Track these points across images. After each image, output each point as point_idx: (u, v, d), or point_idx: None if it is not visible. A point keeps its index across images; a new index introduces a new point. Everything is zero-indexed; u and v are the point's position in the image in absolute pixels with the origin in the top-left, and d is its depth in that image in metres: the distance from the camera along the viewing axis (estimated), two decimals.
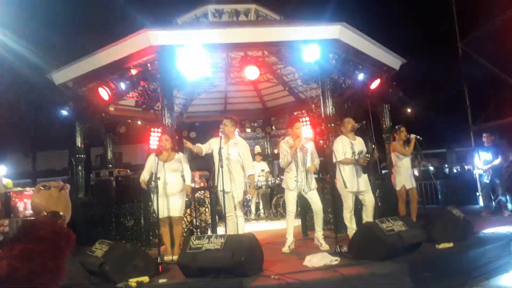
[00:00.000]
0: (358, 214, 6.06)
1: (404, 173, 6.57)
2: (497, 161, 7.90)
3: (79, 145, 8.47)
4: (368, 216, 5.74)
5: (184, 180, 5.66)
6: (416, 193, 6.68)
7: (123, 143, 11.93)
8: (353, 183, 5.66)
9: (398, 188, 6.61)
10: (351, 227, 5.68)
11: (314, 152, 5.68)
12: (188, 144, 5.62)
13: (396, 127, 6.81)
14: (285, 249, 5.50)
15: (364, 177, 5.74)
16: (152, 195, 5.38)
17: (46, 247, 1.12)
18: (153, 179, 5.32)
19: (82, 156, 8.50)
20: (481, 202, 8.53)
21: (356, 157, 5.70)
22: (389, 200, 7.30)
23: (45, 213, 1.28)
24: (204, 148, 5.67)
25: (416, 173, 6.96)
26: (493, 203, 8.30)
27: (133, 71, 7.67)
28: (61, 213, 1.30)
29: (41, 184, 1.36)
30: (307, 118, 11.08)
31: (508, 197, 7.81)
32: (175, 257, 5.19)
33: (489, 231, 5.70)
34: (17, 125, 21.52)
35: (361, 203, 5.86)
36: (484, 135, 8.34)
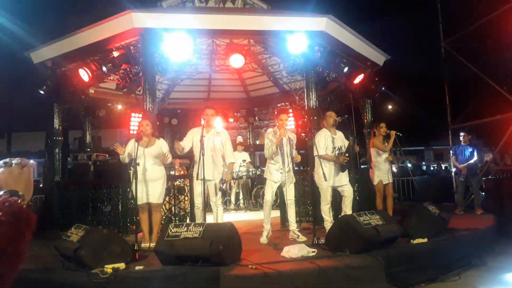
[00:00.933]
0: (338, 208, 6.14)
1: (382, 168, 6.69)
2: (473, 160, 8.08)
3: (57, 127, 8.26)
4: (347, 207, 5.81)
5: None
6: (392, 188, 6.81)
7: (103, 127, 11.71)
8: (331, 178, 5.72)
9: (375, 182, 6.73)
10: (328, 220, 5.74)
11: (294, 144, 5.70)
12: (176, 145, 5.50)
13: (377, 123, 6.92)
14: (263, 239, 5.52)
15: (344, 172, 5.82)
16: (131, 181, 5.29)
17: (4, 231, 1.04)
18: (132, 164, 5.22)
19: (59, 138, 8.29)
20: (455, 200, 8.72)
21: (336, 152, 5.76)
22: (367, 194, 7.41)
23: (2, 193, 1.18)
24: (184, 143, 5.50)
25: (394, 169, 7.07)
26: (467, 201, 8.51)
27: (115, 53, 7.50)
28: (20, 193, 1.21)
29: (2, 161, 1.27)
30: (290, 110, 11.10)
31: (481, 196, 8.02)
32: (152, 244, 5.15)
33: (462, 228, 5.84)
34: None
35: (340, 197, 5.95)
36: (461, 134, 8.51)
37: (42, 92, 7.82)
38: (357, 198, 7.63)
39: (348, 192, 5.80)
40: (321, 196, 5.78)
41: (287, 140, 5.50)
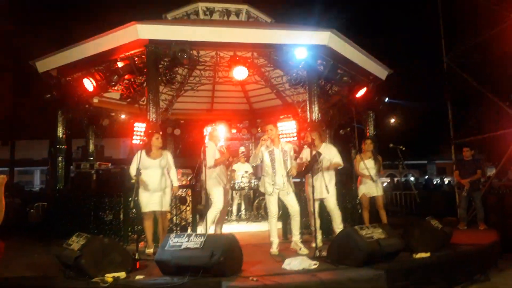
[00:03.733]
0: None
1: (367, 182, 6.67)
2: (476, 175, 8.04)
3: (60, 136, 8.31)
4: (335, 222, 5.93)
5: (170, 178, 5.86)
6: (382, 201, 6.78)
7: (106, 136, 11.75)
8: (316, 190, 5.72)
9: (359, 195, 6.78)
10: (314, 229, 5.87)
11: (292, 155, 5.71)
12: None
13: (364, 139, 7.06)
14: (274, 251, 5.50)
15: (328, 184, 5.78)
16: (134, 190, 5.36)
17: None
18: (135, 174, 5.34)
19: (62, 146, 8.34)
20: (458, 215, 8.67)
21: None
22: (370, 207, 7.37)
23: None
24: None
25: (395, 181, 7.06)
26: (470, 216, 8.45)
27: (120, 64, 7.57)
28: None
29: None
30: (294, 122, 11.16)
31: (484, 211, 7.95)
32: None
33: (465, 243, 5.80)
34: None
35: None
36: (464, 149, 8.48)
37: (46, 101, 7.89)
38: (360, 211, 7.64)
39: (329, 208, 5.95)
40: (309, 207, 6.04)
41: (280, 151, 5.53)
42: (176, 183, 5.88)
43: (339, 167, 6.07)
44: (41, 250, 5.70)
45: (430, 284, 4.62)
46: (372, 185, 6.67)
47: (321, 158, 5.76)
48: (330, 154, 5.95)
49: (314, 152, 5.58)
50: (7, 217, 9.32)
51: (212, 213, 6.00)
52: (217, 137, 6.48)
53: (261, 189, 5.77)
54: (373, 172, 6.68)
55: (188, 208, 6.84)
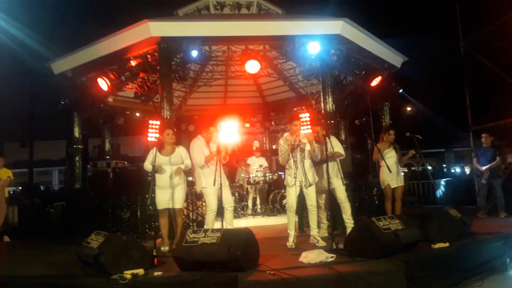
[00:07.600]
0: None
1: (389, 172, 6.54)
2: (495, 162, 7.87)
3: (77, 136, 8.44)
4: (345, 214, 5.90)
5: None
6: (401, 192, 6.66)
7: (121, 135, 11.93)
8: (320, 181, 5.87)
9: (383, 186, 6.65)
10: (323, 222, 6.08)
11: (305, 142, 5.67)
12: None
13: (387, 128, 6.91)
14: (290, 244, 5.48)
15: (333, 175, 5.76)
16: (150, 187, 5.40)
17: None
18: (151, 171, 5.37)
19: (79, 146, 8.46)
20: (478, 203, 8.51)
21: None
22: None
23: None
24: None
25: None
26: (490, 204, 8.28)
27: (133, 62, 7.64)
28: None
29: None
30: (307, 114, 11.08)
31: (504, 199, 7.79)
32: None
33: (485, 231, 5.69)
34: (15, 114, 21.42)
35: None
36: (483, 135, 8.30)
37: (62, 101, 8.02)
38: (377, 202, 7.58)
39: (338, 198, 5.93)
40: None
41: (297, 145, 5.49)
42: (182, 166, 5.68)
43: (341, 157, 6.04)
44: (61, 248, 5.80)
45: (449, 274, 4.55)
46: (393, 176, 6.56)
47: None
48: (333, 143, 5.89)
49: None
50: (28, 217, 9.52)
51: (209, 217, 5.71)
52: (211, 132, 5.89)
53: (285, 183, 5.74)
54: (393, 161, 6.57)
55: (204, 203, 6.87)
